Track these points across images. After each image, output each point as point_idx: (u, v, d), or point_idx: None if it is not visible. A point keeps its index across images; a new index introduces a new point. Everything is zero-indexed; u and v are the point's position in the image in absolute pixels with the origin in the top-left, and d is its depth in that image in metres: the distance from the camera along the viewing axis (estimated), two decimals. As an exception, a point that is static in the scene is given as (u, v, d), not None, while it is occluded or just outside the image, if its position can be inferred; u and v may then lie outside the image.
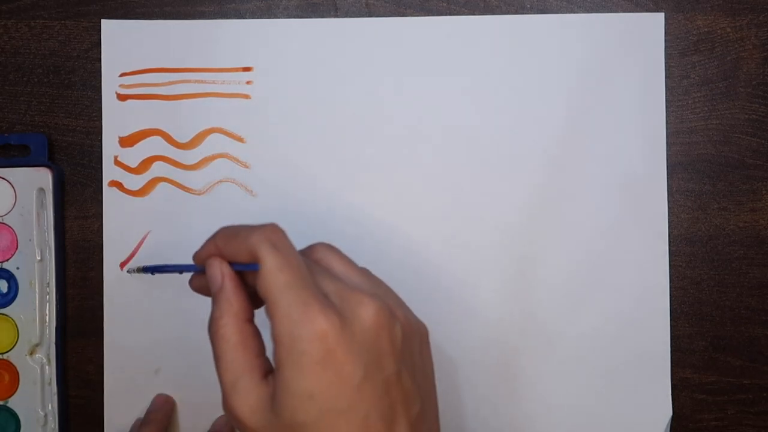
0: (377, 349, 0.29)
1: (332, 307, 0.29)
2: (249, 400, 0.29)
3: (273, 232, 0.30)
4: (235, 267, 0.31)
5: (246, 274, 0.32)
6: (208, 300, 0.43)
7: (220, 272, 0.31)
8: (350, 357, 0.28)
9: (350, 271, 0.32)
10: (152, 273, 0.39)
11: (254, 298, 0.31)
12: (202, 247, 0.32)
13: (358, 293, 0.30)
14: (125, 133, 0.44)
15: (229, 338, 0.30)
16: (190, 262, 0.43)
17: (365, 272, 0.33)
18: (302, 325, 0.28)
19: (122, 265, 0.43)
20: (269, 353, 0.30)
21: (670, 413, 0.43)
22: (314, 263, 0.32)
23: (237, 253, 0.31)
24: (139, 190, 0.44)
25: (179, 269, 0.35)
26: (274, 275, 0.29)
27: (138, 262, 0.43)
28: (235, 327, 0.30)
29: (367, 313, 0.29)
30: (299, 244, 0.43)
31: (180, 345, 0.43)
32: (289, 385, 0.28)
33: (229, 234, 0.31)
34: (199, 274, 0.34)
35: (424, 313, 0.43)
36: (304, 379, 0.28)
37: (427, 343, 0.33)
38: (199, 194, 0.44)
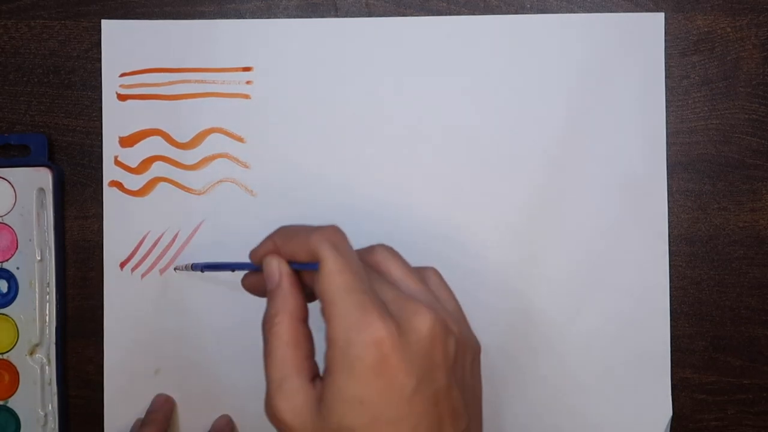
0: (430, 361, 0.29)
1: (389, 315, 0.28)
2: (295, 400, 0.29)
3: (334, 233, 0.30)
4: (293, 266, 0.31)
5: (303, 274, 0.31)
6: (210, 300, 0.43)
7: (278, 269, 0.31)
8: (404, 366, 0.28)
9: (408, 278, 0.31)
10: (201, 270, 0.39)
11: (308, 299, 0.31)
12: (260, 245, 0.32)
13: (414, 302, 0.29)
14: (125, 133, 0.44)
15: (281, 335, 0.30)
16: (192, 261, 0.43)
17: (424, 279, 0.32)
18: (359, 329, 0.28)
19: (122, 265, 0.43)
20: (318, 358, 0.30)
21: (670, 413, 0.43)
22: (372, 268, 0.31)
23: (296, 252, 0.30)
24: (139, 190, 0.44)
25: (232, 267, 0.35)
26: (333, 277, 0.28)
27: (136, 261, 0.43)
28: (290, 325, 0.30)
29: (423, 323, 0.29)
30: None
31: (180, 345, 0.43)
32: (341, 389, 0.28)
33: (288, 233, 0.31)
34: (252, 272, 0.34)
35: (424, 313, 0.43)
36: (357, 384, 0.28)
37: (479, 361, 0.33)
38: (199, 194, 0.44)
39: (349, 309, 0.28)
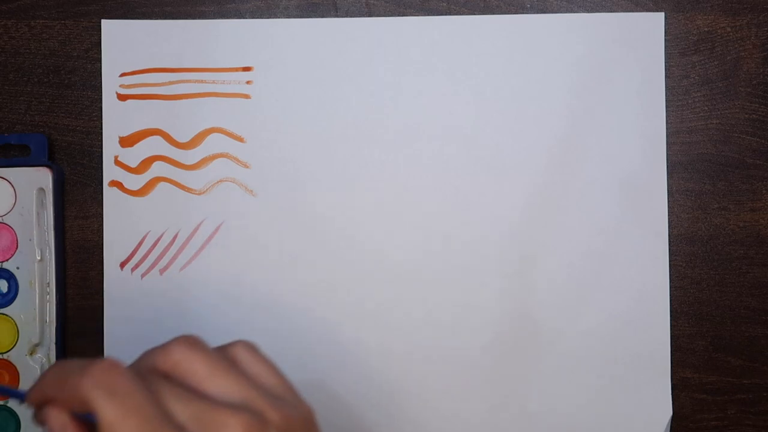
0: None
1: None
2: None
3: (106, 372, 0.26)
4: (76, 415, 0.27)
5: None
6: (209, 297, 0.43)
7: (62, 422, 0.27)
8: None
9: (215, 372, 0.28)
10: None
11: None
12: (33, 389, 0.28)
13: (219, 413, 0.26)
14: (125, 133, 0.44)
15: None
16: (190, 264, 0.43)
17: (234, 360, 0.29)
18: None
19: (122, 265, 0.43)
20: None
21: (670, 413, 0.43)
22: (172, 373, 0.28)
23: (71, 403, 0.26)
24: (139, 190, 0.44)
25: (22, 398, 0.29)
26: (115, 429, 0.25)
27: (136, 261, 0.43)
28: None
29: None
30: (299, 245, 0.43)
31: (180, 345, 0.43)
32: None
33: (57, 377, 0.27)
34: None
35: (424, 314, 0.43)
36: None
37: (314, 423, 0.30)
38: (199, 194, 0.44)
39: None
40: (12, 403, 0.42)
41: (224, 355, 0.29)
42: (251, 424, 0.26)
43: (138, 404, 0.25)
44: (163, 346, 0.28)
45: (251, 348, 0.30)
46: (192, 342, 0.28)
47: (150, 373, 0.28)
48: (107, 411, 0.25)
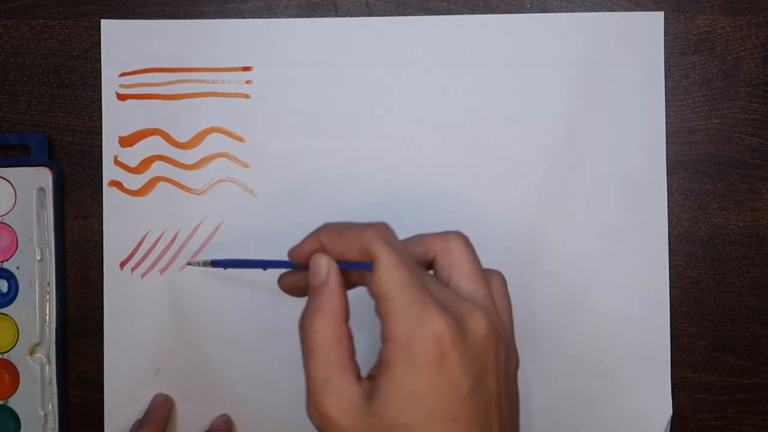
0: (484, 364, 0.28)
1: (449, 311, 0.28)
2: (343, 398, 0.28)
3: (386, 230, 0.29)
4: (341, 265, 0.30)
5: (347, 274, 0.31)
6: (208, 300, 0.43)
7: (326, 267, 0.30)
8: (461, 365, 0.27)
9: (473, 276, 0.30)
10: (224, 268, 0.38)
11: None
12: (304, 243, 0.31)
13: (470, 304, 0.29)
14: (125, 133, 0.44)
15: (325, 333, 0.29)
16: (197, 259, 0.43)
17: (488, 281, 0.31)
18: (419, 323, 0.27)
19: (122, 265, 0.43)
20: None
21: (670, 413, 0.43)
22: (443, 256, 0.31)
23: (347, 251, 0.30)
24: (139, 189, 0.44)
25: (264, 265, 0.34)
26: (390, 273, 0.28)
27: (136, 261, 0.43)
28: (333, 324, 0.29)
29: (479, 324, 0.28)
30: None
31: (180, 345, 0.43)
32: (399, 383, 0.27)
33: (337, 230, 0.30)
34: (291, 271, 0.33)
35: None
36: (416, 379, 0.27)
37: (516, 374, 0.32)
38: (199, 194, 0.44)
39: (408, 304, 0.28)
40: (12, 403, 0.42)
41: (485, 271, 0.32)
42: (493, 325, 0.29)
43: (409, 260, 0.29)
44: (442, 234, 0.31)
45: (504, 281, 0.32)
46: (466, 242, 0.31)
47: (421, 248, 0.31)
48: (386, 256, 0.28)
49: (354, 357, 0.30)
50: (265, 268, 0.35)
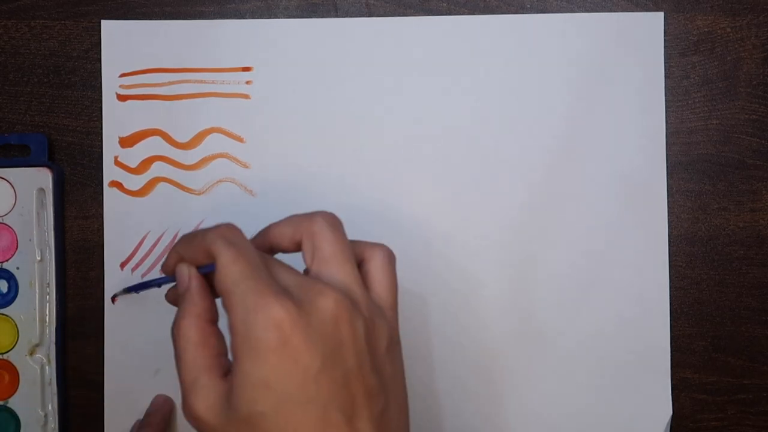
0: (336, 341, 0.29)
1: (287, 295, 0.28)
2: (208, 398, 0.29)
3: (227, 229, 0.30)
4: (200, 270, 0.32)
5: (212, 278, 0.31)
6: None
7: (187, 275, 0.32)
8: (307, 345, 0.28)
9: (336, 257, 0.31)
10: (137, 292, 0.39)
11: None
12: (167, 257, 0.33)
13: (318, 284, 0.29)
14: (125, 134, 0.44)
15: (189, 338, 0.30)
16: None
17: (363, 259, 0.32)
18: (257, 312, 0.28)
19: (122, 265, 0.43)
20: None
21: (670, 413, 0.43)
22: (307, 238, 0.31)
23: (197, 256, 0.31)
24: (139, 190, 0.44)
25: (158, 283, 0.35)
26: (227, 268, 0.29)
27: (137, 261, 0.43)
28: (197, 327, 0.31)
29: (325, 303, 0.29)
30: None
31: (180, 345, 0.43)
32: (246, 374, 0.28)
33: (187, 238, 0.32)
34: (173, 286, 0.34)
35: (424, 314, 0.43)
36: (261, 366, 0.28)
37: (397, 344, 0.32)
38: (199, 194, 0.44)
39: (245, 294, 0.28)
40: (12, 403, 0.42)
41: (357, 248, 0.32)
42: (343, 301, 0.29)
43: (250, 253, 0.30)
44: (310, 214, 0.32)
45: (386, 257, 0.33)
46: (332, 222, 0.32)
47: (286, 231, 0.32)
48: (224, 253, 0.29)
49: (223, 356, 0.31)
50: (159, 286, 0.36)
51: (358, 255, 0.32)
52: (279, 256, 0.33)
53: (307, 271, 0.32)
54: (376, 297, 0.32)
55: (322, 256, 0.31)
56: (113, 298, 0.43)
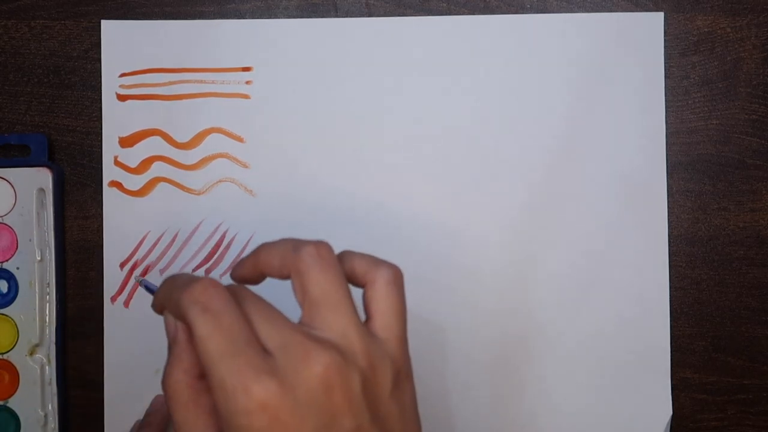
0: (329, 410, 0.27)
1: (270, 372, 0.26)
2: None
3: (203, 291, 0.27)
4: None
5: None
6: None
7: (173, 325, 0.29)
8: (296, 422, 0.26)
9: (325, 301, 0.28)
10: (151, 292, 0.38)
11: None
12: (153, 301, 0.31)
13: (306, 343, 0.27)
14: (125, 134, 0.44)
15: (179, 397, 0.28)
16: (192, 262, 0.43)
17: (367, 284, 0.30)
18: (237, 397, 0.26)
19: (122, 265, 0.43)
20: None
21: (670, 413, 0.43)
22: (295, 275, 0.29)
23: (174, 313, 0.29)
24: (139, 190, 0.44)
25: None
26: (204, 344, 0.27)
27: (136, 261, 0.43)
28: (186, 384, 0.28)
29: (313, 370, 0.26)
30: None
31: (180, 345, 0.43)
32: None
33: (166, 290, 0.29)
34: None
35: (424, 313, 0.43)
36: None
37: (406, 377, 0.30)
38: (198, 194, 0.44)
39: (224, 377, 0.26)
40: (12, 403, 0.42)
41: (358, 269, 0.30)
42: (332, 363, 0.27)
43: (228, 323, 0.27)
44: (297, 246, 0.29)
45: (389, 279, 0.29)
46: (320, 257, 0.29)
47: (258, 274, 0.30)
48: (199, 325, 0.27)
49: (215, 412, 0.28)
50: None
51: (359, 278, 0.30)
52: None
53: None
54: (379, 329, 0.29)
55: (312, 299, 0.28)
56: (136, 279, 0.43)
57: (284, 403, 0.26)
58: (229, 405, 0.26)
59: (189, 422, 0.28)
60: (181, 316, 0.28)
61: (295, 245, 0.29)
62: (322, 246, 0.29)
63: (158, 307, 0.30)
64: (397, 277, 0.30)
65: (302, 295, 0.29)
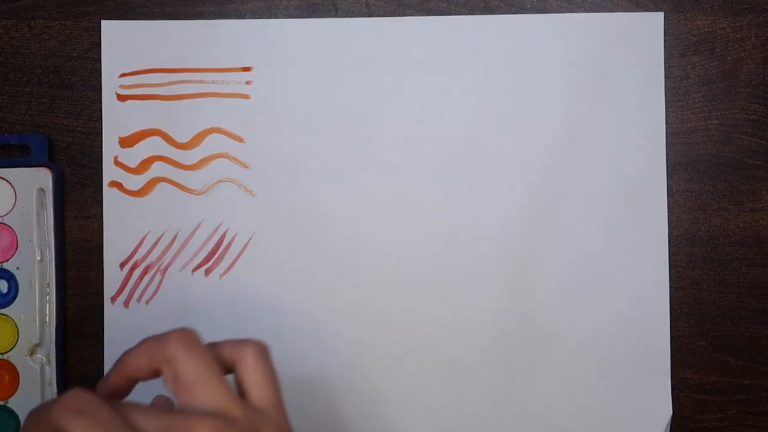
0: None
1: None
2: None
3: (73, 398, 0.27)
4: None
5: None
6: (210, 299, 0.43)
7: None
8: None
9: (199, 380, 0.29)
10: None
11: None
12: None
13: (185, 419, 0.27)
14: (125, 134, 0.44)
15: None
16: (192, 262, 0.43)
17: (236, 364, 0.30)
18: None
19: (122, 265, 0.43)
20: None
21: (670, 413, 0.43)
22: (164, 364, 0.29)
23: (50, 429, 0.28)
24: (139, 190, 0.44)
25: None
26: None
27: (136, 261, 0.43)
28: None
29: None
30: (299, 246, 0.43)
31: (180, 345, 0.43)
32: None
33: (33, 419, 0.28)
34: None
35: (424, 314, 0.43)
36: None
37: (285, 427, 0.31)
38: (198, 194, 0.44)
39: None
40: (12, 403, 0.42)
41: (225, 353, 0.30)
42: (218, 427, 0.27)
43: (104, 418, 0.27)
44: (161, 338, 0.29)
45: (257, 354, 0.31)
46: (186, 341, 0.29)
47: (132, 376, 0.30)
48: (75, 427, 0.26)
49: None
50: None
51: (226, 360, 0.30)
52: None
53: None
54: (256, 401, 0.30)
55: (185, 381, 0.29)
56: None
57: None
58: None
59: None
60: (57, 430, 0.27)
61: (158, 337, 0.30)
62: (186, 331, 0.30)
63: None
64: (263, 350, 0.31)
65: (174, 381, 0.29)
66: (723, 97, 0.44)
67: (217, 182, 0.44)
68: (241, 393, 0.30)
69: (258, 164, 0.44)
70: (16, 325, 0.43)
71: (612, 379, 0.43)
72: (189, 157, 0.44)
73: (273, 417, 0.30)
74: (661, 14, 0.44)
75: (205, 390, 0.29)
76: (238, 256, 0.43)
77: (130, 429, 0.27)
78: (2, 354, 0.43)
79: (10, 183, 0.43)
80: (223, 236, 0.43)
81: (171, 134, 0.44)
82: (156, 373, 0.30)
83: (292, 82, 0.44)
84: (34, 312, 0.43)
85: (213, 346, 0.31)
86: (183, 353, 0.29)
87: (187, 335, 0.29)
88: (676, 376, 0.43)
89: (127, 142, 0.44)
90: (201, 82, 0.44)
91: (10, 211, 0.43)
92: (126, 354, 0.31)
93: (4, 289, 0.43)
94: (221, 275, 0.43)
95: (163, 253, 0.43)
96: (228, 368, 0.31)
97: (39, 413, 0.28)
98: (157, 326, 0.43)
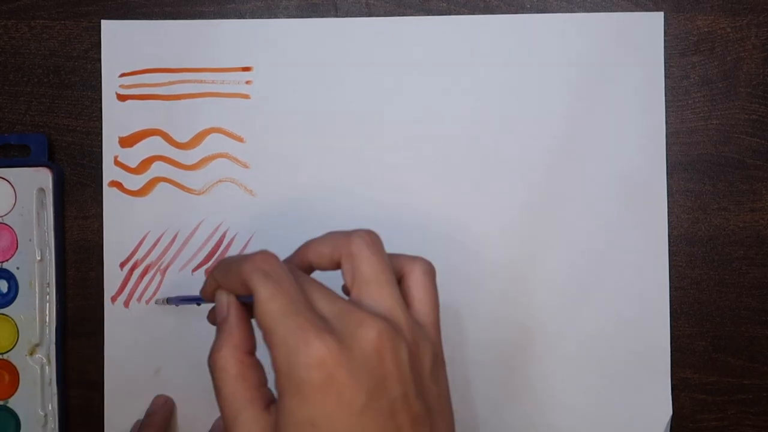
0: (380, 373, 0.28)
1: (329, 331, 0.28)
2: (252, 431, 0.29)
3: (263, 260, 0.29)
4: (240, 299, 0.31)
5: (251, 305, 0.31)
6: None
7: (226, 303, 0.31)
8: (351, 381, 0.27)
9: (376, 278, 0.30)
10: (176, 305, 0.40)
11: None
12: (205, 282, 0.33)
13: (360, 313, 0.29)
14: (125, 134, 0.44)
15: (228, 370, 0.30)
16: (192, 262, 0.43)
17: (403, 274, 0.32)
18: (299, 351, 0.27)
19: (122, 265, 0.43)
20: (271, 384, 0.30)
21: (670, 413, 0.43)
22: (346, 258, 0.31)
23: (234, 286, 0.31)
24: (139, 190, 0.44)
25: (198, 301, 0.35)
26: (266, 305, 0.28)
27: (136, 261, 0.43)
28: (235, 358, 0.30)
29: (367, 335, 0.28)
30: (298, 245, 0.43)
31: (180, 345, 0.43)
32: (291, 413, 0.28)
33: (224, 266, 0.31)
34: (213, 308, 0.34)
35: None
36: (305, 406, 0.27)
37: (442, 363, 0.32)
38: (198, 194, 0.44)
39: (286, 333, 0.28)
40: (12, 403, 0.42)
41: (397, 264, 0.32)
42: (386, 330, 0.28)
43: (289, 286, 0.29)
44: (348, 233, 0.31)
45: (426, 271, 0.32)
46: (371, 242, 0.31)
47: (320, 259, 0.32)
48: (261, 289, 0.29)
49: (263, 386, 0.30)
50: (198, 304, 0.37)
51: (397, 270, 0.32)
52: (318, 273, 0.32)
53: (347, 290, 0.31)
54: (418, 315, 0.31)
55: (362, 278, 0.30)
56: (156, 302, 0.43)
57: (341, 361, 0.27)
58: (290, 359, 0.27)
59: (238, 394, 0.29)
60: (244, 284, 0.29)
61: (344, 232, 0.31)
62: (372, 233, 0.31)
63: (210, 289, 0.32)
64: (432, 269, 0.32)
65: (352, 275, 0.30)
66: (723, 97, 0.44)
67: (217, 182, 0.44)
68: (406, 303, 0.31)
69: (258, 164, 0.44)
70: (16, 324, 0.43)
71: (612, 379, 0.43)
72: (189, 157, 0.44)
73: (431, 336, 0.31)
74: (661, 14, 0.44)
75: (379, 291, 0.30)
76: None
77: (307, 303, 0.29)
78: (2, 354, 0.43)
79: (10, 183, 0.43)
80: (223, 236, 0.43)
81: (171, 134, 0.44)
82: (335, 265, 0.31)
83: (292, 82, 0.44)
84: (34, 312, 0.43)
85: (389, 255, 0.32)
86: (366, 251, 0.30)
87: (372, 236, 0.31)
88: (676, 376, 0.43)
89: (127, 142, 0.44)
90: (201, 81, 0.44)
91: (10, 211, 0.43)
92: (310, 241, 0.32)
93: (4, 289, 0.43)
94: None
95: (163, 253, 0.43)
96: (398, 278, 0.32)
97: (230, 264, 0.30)
98: (157, 326, 0.43)
